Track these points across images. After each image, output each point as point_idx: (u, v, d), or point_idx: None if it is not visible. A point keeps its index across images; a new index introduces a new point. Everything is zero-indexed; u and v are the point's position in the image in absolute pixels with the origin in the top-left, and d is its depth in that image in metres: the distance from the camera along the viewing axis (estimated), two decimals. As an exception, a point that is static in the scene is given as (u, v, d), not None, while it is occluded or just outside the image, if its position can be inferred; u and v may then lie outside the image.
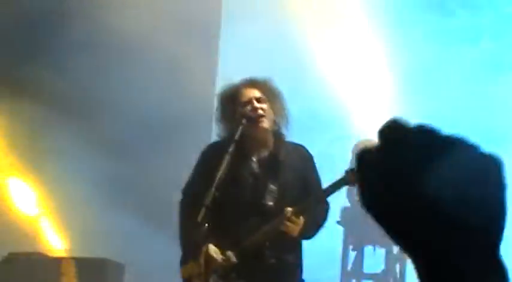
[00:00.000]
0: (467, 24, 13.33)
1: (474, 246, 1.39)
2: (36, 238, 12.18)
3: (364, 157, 1.48)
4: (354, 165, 6.35)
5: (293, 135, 7.34)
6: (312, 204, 6.84)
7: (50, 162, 12.55)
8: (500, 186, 1.42)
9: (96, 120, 12.62)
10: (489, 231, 1.41)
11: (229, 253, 6.83)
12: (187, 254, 7.02)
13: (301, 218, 6.65)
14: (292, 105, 7.54)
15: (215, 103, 7.75)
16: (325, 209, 6.95)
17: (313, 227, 6.85)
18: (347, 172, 6.58)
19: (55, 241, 12.23)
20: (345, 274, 10.90)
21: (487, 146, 2.08)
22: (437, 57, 12.91)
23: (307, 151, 7.13)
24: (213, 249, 6.83)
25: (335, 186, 6.70)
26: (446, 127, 2.09)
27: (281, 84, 7.74)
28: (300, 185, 6.91)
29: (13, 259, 10.87)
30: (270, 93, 6.98)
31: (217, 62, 13.97)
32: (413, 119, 1.72)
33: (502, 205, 1.42)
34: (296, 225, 6.66)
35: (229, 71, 12.26)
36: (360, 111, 12.31)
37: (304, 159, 7.05)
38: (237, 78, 8.13)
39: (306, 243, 7.50)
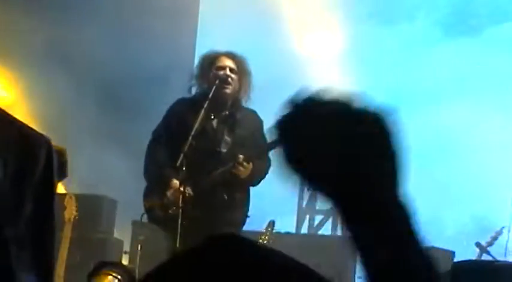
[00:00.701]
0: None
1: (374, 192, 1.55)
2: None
3: (284, 123, 1.64)
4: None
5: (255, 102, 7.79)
6: (258, 154, 7.33)
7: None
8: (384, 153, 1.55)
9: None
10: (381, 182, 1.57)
11: (189, 189, 7.21)
12: (153, 187, 7.50)
13: (250, 164, 7.23)
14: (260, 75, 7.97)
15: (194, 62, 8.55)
16: (267, 163, 7.30)
17: (257, 175, 7.39)
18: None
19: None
20: (300, 210, 11.25)
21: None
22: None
23: (258, 116, 7.55)
24: (177, 183, 7.23)
25: (276, 143, 7.43)
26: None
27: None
28: (249, 141, 7.42)
29: None
30: (242, 69, 7.43)
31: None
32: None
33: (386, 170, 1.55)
34: (245, 169, 7.25)
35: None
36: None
37: (255, 121, 7.49)
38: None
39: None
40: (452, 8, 12.56)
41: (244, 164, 7.17)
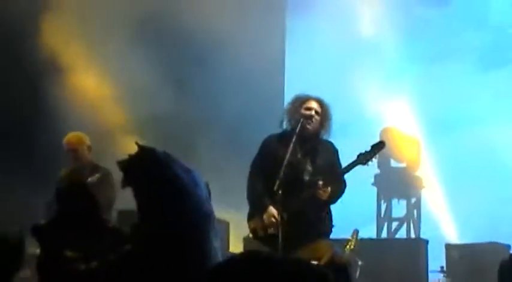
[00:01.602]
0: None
1: None
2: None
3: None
4: (364, 150, 7.38)
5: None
6: (334, 178, 7.22)
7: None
8: None
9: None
10: None
11: (282, 213, 7.09)
12: (254, 211, 7.39)
13: (328, 188, 7.08)
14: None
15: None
16: (343, 185, 7.27)
17: (335, 195, 7.24)
18: (358, 156, 7.11)
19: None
20: (379, 219, 11.06)
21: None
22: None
23: (334, 145, 7.44)
24: (273, 209, 7.16)
25: (349, 167, 7.16)
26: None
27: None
28: (327, 168, 7.30)
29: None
30: (325, 113, 7.31)
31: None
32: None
33: None
34: (325, 192, 7.11)
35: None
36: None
37: (331, 151, 7.40)
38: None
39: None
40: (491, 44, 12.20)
41: (323, 188, 7.13)
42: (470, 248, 9.61)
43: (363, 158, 7.19)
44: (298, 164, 7.27)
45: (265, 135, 7.71)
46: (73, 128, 9.58)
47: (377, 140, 10.36)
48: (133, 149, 4.66)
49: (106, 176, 8.48)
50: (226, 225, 10.39)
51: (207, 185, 4.56)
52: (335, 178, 7.25)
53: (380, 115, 11.47)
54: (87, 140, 8.78)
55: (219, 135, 12.11)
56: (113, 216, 9.31)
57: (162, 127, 11.84)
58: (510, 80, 11.53)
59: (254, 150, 7.68)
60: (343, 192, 7.31)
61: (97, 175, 8.47)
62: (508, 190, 10.55)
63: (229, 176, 10.71)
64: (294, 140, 7.10)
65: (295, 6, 13.53)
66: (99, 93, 11.76)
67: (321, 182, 7.09)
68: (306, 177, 7.27)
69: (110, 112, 11.80)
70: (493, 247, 9.24)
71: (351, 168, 7.22)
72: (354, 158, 7.17)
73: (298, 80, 12.31)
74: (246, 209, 7.67)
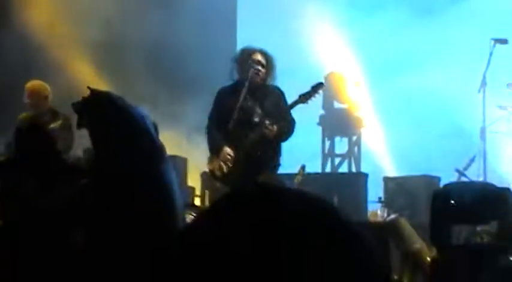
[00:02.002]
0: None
1: None
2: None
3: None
4: (305, 91, 7.30)
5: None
6: (281, 118, 7.37)
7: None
8: None
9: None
10: None
11: (232, 151, 7.37)
12: (212, 154, 7.57)
13: (275, 127, 7.27)
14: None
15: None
16: (290, 123, 7.43)
17: (283, 134, 7.42)
18: (299, 96, 7.32)
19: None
20: (324, 155, 11.12)
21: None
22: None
23: (279, 89, 7.59)
24: (228, 149, 7.39)
25: (291, 105, 7.34)
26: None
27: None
28: (275, 109, 7.43)
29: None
30: (270, 64, 7.50)
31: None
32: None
33: None
34: (271, 131, 7.30)
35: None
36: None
37: (277, 94, 7.54)
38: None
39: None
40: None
41: (270, 127, 7.29)
42: (405, 180, 9.75)
43: (304, 98, 7.34)
44: (248, 108, 7.42)
45: (215, 70, 8.35)
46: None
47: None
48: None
49: (66, 121, 8.43)
50: (185, 160, 10.38)
51: (156, 127, 4.56)
52: (282, 118, 7.36)
53: (326, 61, 11.48)
54: (47, 89, 8.75)
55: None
56: (79, 154, 9.12)
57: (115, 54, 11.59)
58: (443, 26, 11.46)
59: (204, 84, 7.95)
60: (292, 129, 7.44)
61: (58, 122, 8.42)
62: (441, 128, 10.61)
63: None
64: (245, 90, 7.30)
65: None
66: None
67: (267, 122, 7.24)
68: (256, 119, 7.40)
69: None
70: (425, 179, 9.41)
71: (292, 107, 7.38)
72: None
73: (250, 27, 12.24)
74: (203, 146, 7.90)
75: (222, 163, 7.42)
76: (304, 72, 10.50)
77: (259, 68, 7.46)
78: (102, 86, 9.75)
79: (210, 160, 7.60)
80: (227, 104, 7.48)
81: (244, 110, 7.41)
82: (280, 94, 7.58)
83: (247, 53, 7.59)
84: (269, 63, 7.53)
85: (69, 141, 8.44)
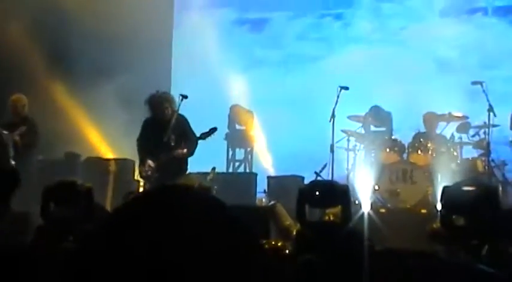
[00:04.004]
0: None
1: None
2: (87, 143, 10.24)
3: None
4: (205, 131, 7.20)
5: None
6: (188, 139, 7.29)
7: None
8: None
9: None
10: None
11: (152, 163, 7.28)
12: (140, 162, 7.47)
13: (184, 150, 7.26)
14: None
15: None
16: (194, 145, 7.30)
17: (189, 151, 7.32)
18: (200, 135, 7.29)
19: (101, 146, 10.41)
20: (228, 160, 10.86)
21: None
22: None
23: (184, 117, 7.41)
24: (150, 161, 7.30)
25: (200, 137, 7.27)
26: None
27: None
28: (183, 133, 7.30)
29: (71, 158, 9.58)
30: (171, 103, 7.36)
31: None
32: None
33: None
34: (181, 153, 7.27)
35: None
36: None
37: (183, 121, 7.38)
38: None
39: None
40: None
41: (180, 149, 7.27)
42: (281, 178, 9.80)
43: (204, 136, 7.33)
44: (167, 134, 7.31)
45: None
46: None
47: (226, 113, 10.73)
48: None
49: (31, 126, 8.21)
50: (133, 163, 9.71)
51: None
52: (189, 139, 7.31)
53: (229, 95, 11.37)
54: (24, 100, 8.45)
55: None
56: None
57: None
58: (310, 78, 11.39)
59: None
60: (195, 148, 7.35)
61: (24, 127, 8.15)
62: (307, 142, 10.44)
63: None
64: (157, 123, 7.34)
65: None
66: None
67: (178, 147, 7.26)
68: (172, 143, 7.33)
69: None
70: (294, 178, 9.44)
71: (198, 140, 7.35)
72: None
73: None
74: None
75: (146, 168, 7.34)
76: (214, 104, 10.43)
77: (164, 108, 7.34)
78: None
79: (140, 165, 7.50)
80: (149, 130, 7.41)
81: (163, 135, 7.31)
82: (186, 121, 7.47)
83: (154, 101, 7.47)
84: (171, 103, 7.43)
85: (33, 142, 8.18)
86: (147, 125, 7.50)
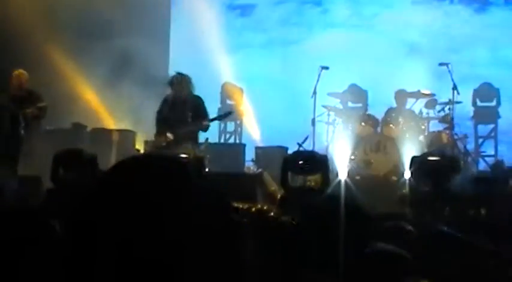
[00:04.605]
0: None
1: None
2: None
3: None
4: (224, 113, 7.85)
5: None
6: (203, 117, 7.40)
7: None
8: None
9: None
10: None
11: (171, 135, 7.37)
12: (157, 133, 7.52)
13: (197, 124, 7.33)
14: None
15: None
16: (208, 120, 7.45)
17: (204, 128, 7.44)
18: (220, 115, 7.71)
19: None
20: (220, 132, 10.76)
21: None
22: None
23: (199, 97, 7.50)
24: (169, 134, 7.38)
25: (213, 119, 7.56)
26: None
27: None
28: (198, 111, 7.38)
29: (78, 128, 9.47)
30: (189, 83, 7.47)
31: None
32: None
33: None
34: (197, 127, 7.39)
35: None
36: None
37: (199, 101, 7.48)
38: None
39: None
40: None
41: (196, 124, 7.39)
42: (267, 149, 9.79)
43: (221, 117, 8.03)
44: (183, 110, 7.42)
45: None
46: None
47: (219, 90, 10.66)
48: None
49: (37, 99, 8.04)
50: (134, 133, 9.88)
51: None
52: (204, 117, 7.44)
53: (221, 73, 11.22)
54: (27, 74, 8.21)
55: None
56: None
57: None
58: (293, 58, 11.28)
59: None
60: (209, 125, 7.52)
61: (33, 101, 7.96)
62: (291, 116, 10.29)
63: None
64: (178, 100, 7.40)
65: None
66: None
67: (194, 123, 7.35)
68: (189, 119, 7.43)
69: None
70: (279, 148, 9.44)
71: (213, 120, 7.59)
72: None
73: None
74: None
75: (163, 139, 7.41)
76: (212, 84, 10.31)
77: (181, 89, 7.44)
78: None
79: (156, 135, 7.58)
80: (167, 106, 7.46)
81: (181, 111, 7.39)
82: (201, 101, 7.57)
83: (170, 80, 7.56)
84: (187, 85, 7.50)
85: (41, 113, 8.03)
86: (167, 101, 7.55)
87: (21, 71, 8.33)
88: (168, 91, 7.67)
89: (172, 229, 1.08)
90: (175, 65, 10.19)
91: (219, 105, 10.97)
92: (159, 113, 7.60)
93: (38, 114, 7.97)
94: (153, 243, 1.07)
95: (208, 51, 10.95)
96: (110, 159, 8.23)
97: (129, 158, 1.20)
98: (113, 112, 10.21)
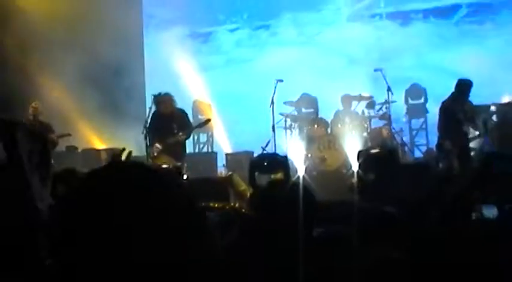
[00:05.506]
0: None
1: None
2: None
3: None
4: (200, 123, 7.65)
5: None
6: (187, 128, 7.35)
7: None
8: None
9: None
10: None
11: (159, 145, 7.25)
12: (149, 144, 7.30)
13: (183, 135, 7.27)
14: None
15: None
16: (191, 132, 7.50)
17: (187, 136, 7.40)
18: (198, 124, 7.62)
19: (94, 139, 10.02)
20: (194, 143, 10.70)
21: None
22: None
23: (183, 110, 7.48)
24: (157, 144, 7.26)
25: (195, 127, 7.59)
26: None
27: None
28: (182, 123, 7.32)
29: (71, 150, 9.35)
30: (171, 101, 7.28)
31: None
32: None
33: None
34: (181, 138, 7.28)
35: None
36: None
37: (182, 114, 7.46)
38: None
39: None
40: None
41: (181, 135, 7.32)
42: (236, 154, 9.81)
43: (201, 125, 7.80)
44: (170, 123, 7.34)
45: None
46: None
47: (190, 106, 10.62)
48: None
49: (52, 129, 7.95)
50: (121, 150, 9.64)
51: None
52: (187, 128, 7.40)
53: (191, 91, 11.21)
54: (41, 106, 8.14)
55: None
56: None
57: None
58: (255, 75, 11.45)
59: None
60: (190, 134, 7.56)
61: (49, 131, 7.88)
62: (255, 124, 10.19)
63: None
64: (163, 115, 7.29)
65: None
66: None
67: (181, 133, 7.30)
68: (175, 131, 7.34)
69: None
70: (246, 153, 9.42)
71: (196, 128, 7.69)
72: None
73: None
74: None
75: (154, 148, 7.31)
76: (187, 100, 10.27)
77: (166, 107, 7.36)
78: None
79: (150, 146, 7.43)
80: (156, 120, 7.36)
81: (168, 124, 7.32)
82: (184, 113, 7.56)
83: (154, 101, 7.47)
84: (171, 100, 7.43)
85: (55, 143, 7.95)
86: (155, 117, 7.42)
87: (37, 102, 8.22)
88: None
89: (146, 234, 1.04)
90: (151, 86, 10.17)
91: (192, 120, 10.92)
92: (149, 127, 7.44)
93: (57, 142, 7.88)
94: (130, 247, 1.01)
95: (179, 73, 11.00)
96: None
97: (104, 166, 1.13)
98: (100, 134, 10.15)
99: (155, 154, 7.24)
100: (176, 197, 1.09)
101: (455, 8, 10.49)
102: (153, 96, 7.44)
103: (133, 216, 1.04)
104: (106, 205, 1.04)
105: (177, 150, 7.29)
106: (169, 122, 7.29)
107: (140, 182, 1.09)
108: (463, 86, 7.44)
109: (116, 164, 1.39)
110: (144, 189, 1.07)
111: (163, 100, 7.33)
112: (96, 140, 10.18)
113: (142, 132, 7.34)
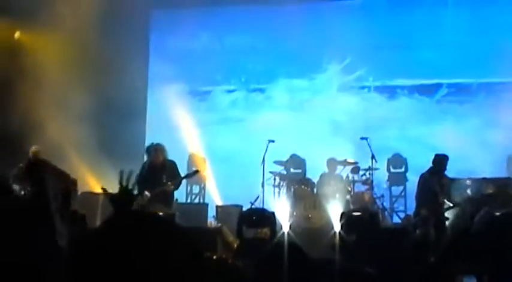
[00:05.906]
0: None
1: None
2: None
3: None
4: (189, 172, 7.63)
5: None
6: (175, 178, 7.22)
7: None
8: None
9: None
10: None
11: (149, 194, 7.04)
12: (138, 192, 7.10)
13: (172, 184, 7.16)
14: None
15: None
16: (179, 183, 7.31)
17: (175, 187, 7.30)
18: (185, 175, 7.46)
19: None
20: (187, 193, 10.57)
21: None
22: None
23: (173, 161, 7.30)
24: (146, 192, 7.09)
25: (183, 178, 7.36)
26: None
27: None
28: (171, 173, 7.20)
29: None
30: (163, 151, 7.30)
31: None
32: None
33: None
34: (169, 188, 7.17)
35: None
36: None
37: (171, 164, 7.28)
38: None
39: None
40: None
41: (169, 185, 7.24)
42: (226, 207, 9.63)
43: (189, 175, 7.74)
44: (159, 174, 7.27)
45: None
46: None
47: (186, 159, 10.58)
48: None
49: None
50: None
51: None
52: (176, 178, 7.29)
53: (188, 145, 11.22)
54: (40, 151, 8.05)
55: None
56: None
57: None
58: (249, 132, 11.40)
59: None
60: (179, 185, 7.43)
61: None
62: (246, 179, 10.10)
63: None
64: (153, 165, 7.23)
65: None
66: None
67: (169, 183, 7.21)
68: (164, 180, 7.27)
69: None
70: (235, 207, 9.21)
71: (184, 178, 7.53)
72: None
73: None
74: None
75: (143, 197, 7.13)
76: (182, 153, 10.25)
77: (157, 158, 7.29)
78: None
79: (138, 195, 7.23)
80: (147, 170, 7.29)
81: (156, 174, 7.26)
82: (174, 164, 7.46)
83: (148, 151, 7.43)
84: (164, 151, 7.41)
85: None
86: (145, 167, 7.34)
87: (37, 146, 8.17)
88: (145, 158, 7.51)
89: (159, 274, 1.08)
90: (150, 136, 10.27)
91: (186, 172, 10.86)
92: (139, 176, 7.23)
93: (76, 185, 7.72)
94: None
95: (177, 127, 10.91)
96: (96, 217, 8.02)
97: (121, 215, 1.20)
98: (99, 178, 10.15)
99: (144, 203, 7.08)
100: (186, 244, 1.14)
101: (437, 86, 10.62)
102: (146, 147, 7.59)
103: (148, 261, 1.08)
104: (123, 250, 1.09)
105: (166, 199, 7.18)
106: (160, 172, 7.21)
107: (156, 232, 1.13)
108: (440, 161, 7.57)
109: (130, 214, 1.37)
110: (159, 237, 1.12)
111: (155, 149, 7.28)
112: (95, 183, 9.89)
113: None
